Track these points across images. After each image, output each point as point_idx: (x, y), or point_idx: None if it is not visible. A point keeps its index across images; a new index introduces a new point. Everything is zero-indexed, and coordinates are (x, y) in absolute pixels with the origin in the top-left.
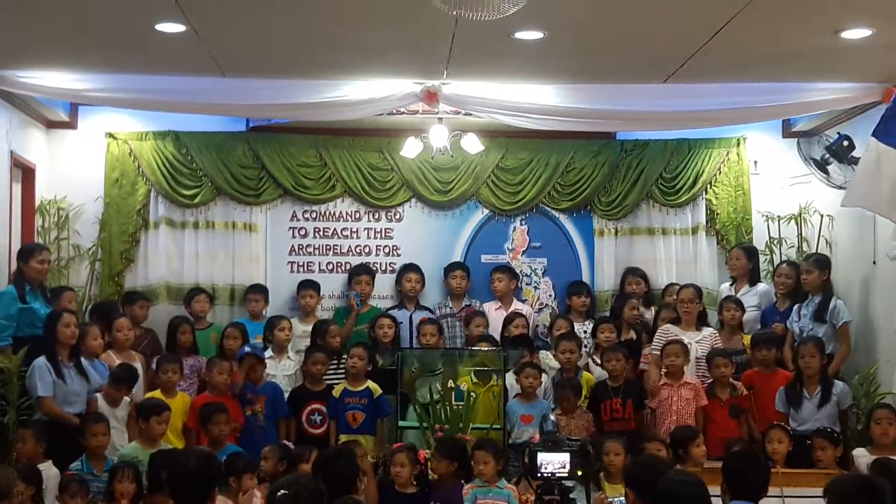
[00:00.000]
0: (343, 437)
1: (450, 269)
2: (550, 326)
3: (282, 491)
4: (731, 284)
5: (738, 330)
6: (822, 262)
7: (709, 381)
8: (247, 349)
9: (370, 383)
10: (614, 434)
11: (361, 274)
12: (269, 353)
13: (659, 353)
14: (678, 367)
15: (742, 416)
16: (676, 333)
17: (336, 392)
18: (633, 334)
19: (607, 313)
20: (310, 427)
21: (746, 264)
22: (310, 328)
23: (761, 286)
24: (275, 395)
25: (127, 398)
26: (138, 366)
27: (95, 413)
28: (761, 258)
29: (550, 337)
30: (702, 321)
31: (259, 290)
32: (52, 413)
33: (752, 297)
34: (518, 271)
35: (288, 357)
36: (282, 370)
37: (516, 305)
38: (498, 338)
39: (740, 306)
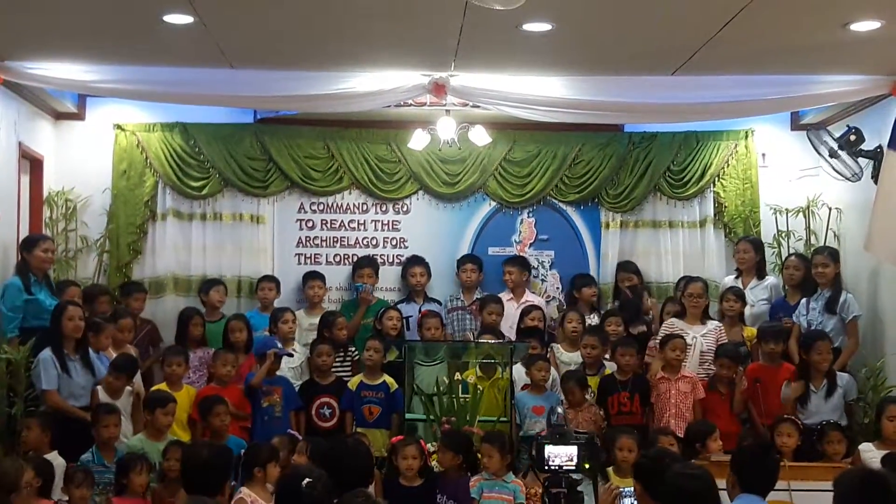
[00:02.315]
0: (359, 431)
1: (461, 261)
2: (562, 320)
3: (307, 480)
4: (736, 277)
5: (738, 321)
6: (836, 255)
7: (713, 374)
8: (278, 344)
9: (386, 377)
10: (626, 427)
11: (365, 267)
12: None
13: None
14: (680, 362)
15: (744, 406)
16: (682, 328)
17: (352, 384)
18: (643, 327)
19: (615, 306)
20: (319, 420)
21: (754, 257)
22: (316, 320)
23: (771, 279)
24: (288, 387)
25: (129, 388)
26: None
27: (107, 404)
28: (770, 251)
29: (558, 330)
30: (705, 314)
31: (271, 280)
32: (58, 406)
33: (763, 291)
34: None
35: (294, 350)
36: (287, 362)
37: (528, 297)
38: (514, 329)
39: (740, 297)
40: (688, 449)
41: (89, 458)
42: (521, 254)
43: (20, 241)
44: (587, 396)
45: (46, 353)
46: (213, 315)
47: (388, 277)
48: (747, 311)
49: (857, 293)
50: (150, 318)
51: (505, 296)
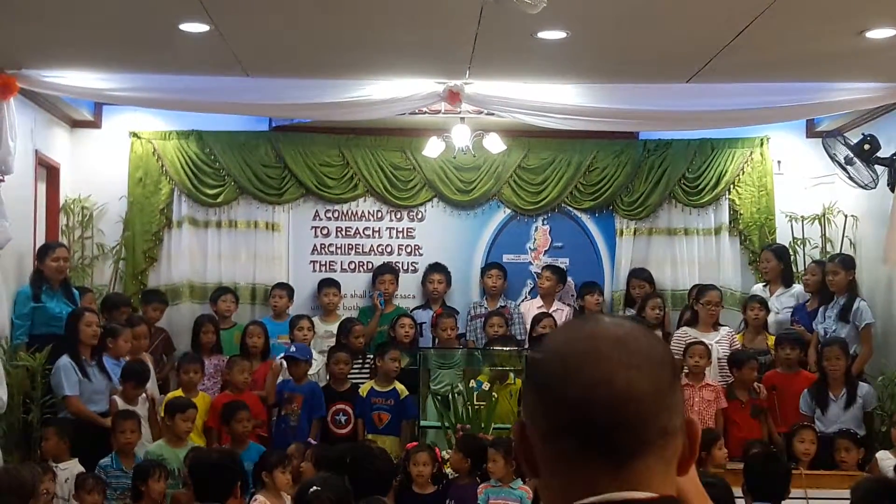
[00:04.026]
0: (369, 438)
1: (487, 268)
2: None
3: (314, 487)
4: (765, 286)
5: (763, 330)
6: (848, 263)
7: (729, 381)
8: (292, 349)
9: (397, 384)
10: None
11: (385, 273)
12: None
13: (679, 355)
14: (701, 369)
15: (762, 417)
16: (695, 335)
17: (363, 391)
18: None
19: (627, 313)
20: (335, 427)
21: (777, 265)
22: (331, 328)
23: (797, 287)
24: (313, 395)
25: (143, 395)
26: (148, 363)
27: (126, 410)
28: None
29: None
30: (716, 321)
31: (283, 287)
32: (79, 412)
33: (790, 299)
34: (539, 271)
35: (313, 357)
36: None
37: (556, 306)
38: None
39: (764, 306)
40: None
41: (108, 462)
42: (536, 261)
43: (36, 248)
44: None
45: (65, 359)
46: (225, 323)
47: (403, 285)
48: (771, 318)
49: (873, 301)
50: (165, 326)
51: (536, 302)
